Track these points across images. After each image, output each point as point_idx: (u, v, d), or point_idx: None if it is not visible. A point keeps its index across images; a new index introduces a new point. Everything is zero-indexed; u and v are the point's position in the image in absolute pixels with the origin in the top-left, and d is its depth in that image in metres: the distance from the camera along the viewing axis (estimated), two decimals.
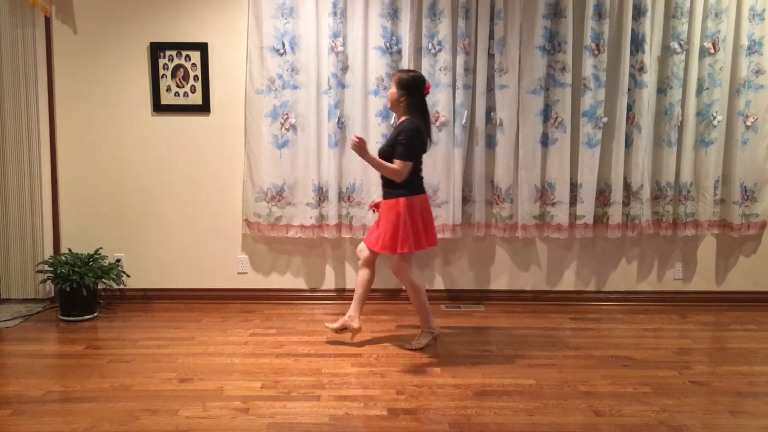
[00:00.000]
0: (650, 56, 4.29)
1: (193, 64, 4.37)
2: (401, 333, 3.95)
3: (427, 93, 3.55)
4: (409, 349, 3.64)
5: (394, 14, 4.25)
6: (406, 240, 3.46)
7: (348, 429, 2.71)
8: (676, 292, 4.65)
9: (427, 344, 3.69)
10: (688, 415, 2.85)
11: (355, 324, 3.67)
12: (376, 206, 3.75)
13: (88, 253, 4.27)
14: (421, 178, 3.59)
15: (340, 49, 4.25)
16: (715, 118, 4.34)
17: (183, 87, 4.39)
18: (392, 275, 4.55)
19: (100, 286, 4.29)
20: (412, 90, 3.45)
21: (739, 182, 4.44)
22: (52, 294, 4.40)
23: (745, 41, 4.32)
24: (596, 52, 4.27)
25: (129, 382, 3.15)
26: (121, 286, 4.35)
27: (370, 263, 3.69)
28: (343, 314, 3.76)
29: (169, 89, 4.40)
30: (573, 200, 4.43)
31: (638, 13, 4.25)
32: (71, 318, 4.13)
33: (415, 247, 3.49)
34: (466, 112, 4.29)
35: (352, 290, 3.83)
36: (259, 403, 2.93)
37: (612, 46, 4.30)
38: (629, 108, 4.35)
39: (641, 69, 4.27)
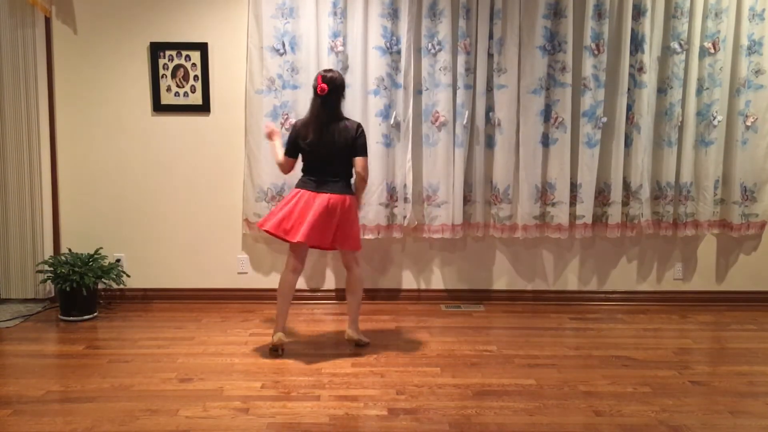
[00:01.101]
0: (650, 56, 4.28)
1: (193, 64, 4.37)
2: (401, 333, 3.95)
3: (319, 92, 3.45)
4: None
5: (394, 14, 4.25)
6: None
7: (348, 429, 2.71)
8: (676, 292, 4.64)
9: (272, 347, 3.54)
10: (688, 415, 2.85)
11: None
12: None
13: (88, 253, 4.27)
14: (312, 175, 3.52)
15: (340, 49, 4.25)
16: (715, 118, 4.34)
17: (183, 87, 4.39)
18: (391, 275, 4.58)
19: (100, 286, 4.29)
20: (313, 88, 3.52)
21: (739, 182, 4.44)
22: (52, 294, 4.40)
23: (745, 41, 4.32)
24: (596, 52, 4.27)
25: (129, 382, 3.15)
26: (121, 286, 4.34)
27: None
28: (344, 314, 3.75)
29: (169, 89, 4.39)
30: (573, 200, 4.43)
31: (638, 13, 4.25)
32: (71, 318, 4.13)
33: (271, 227, 3.47)
34: (467, 113, 4.29)
35: None
36: (259, 403, 2.93)
37: (612, 46, 4.30)
38: (629, 108, 4.35)
39: (641, 69, 4.27)
